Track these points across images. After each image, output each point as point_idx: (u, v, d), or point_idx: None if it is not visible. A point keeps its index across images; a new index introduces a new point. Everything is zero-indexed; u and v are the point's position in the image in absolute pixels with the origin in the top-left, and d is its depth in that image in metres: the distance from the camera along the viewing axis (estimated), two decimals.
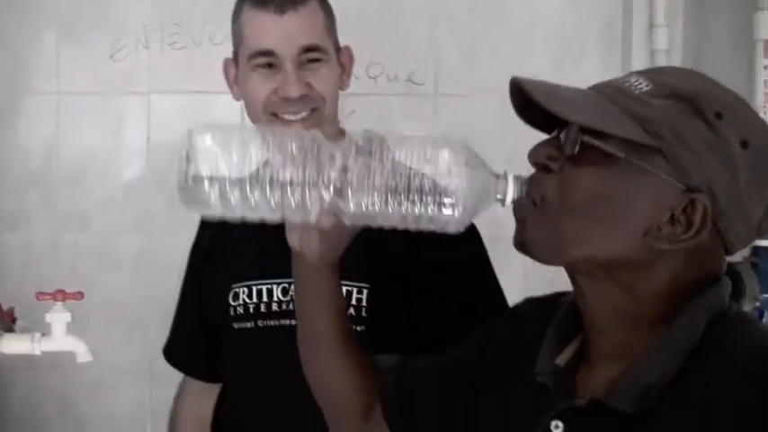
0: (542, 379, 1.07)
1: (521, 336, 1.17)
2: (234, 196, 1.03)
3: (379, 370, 1.30)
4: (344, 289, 1.59)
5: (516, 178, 1.03)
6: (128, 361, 2.42)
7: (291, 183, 1.03)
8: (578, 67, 2.43)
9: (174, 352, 1.87)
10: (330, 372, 1.29)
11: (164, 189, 2.46)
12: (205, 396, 1.83)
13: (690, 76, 1.02)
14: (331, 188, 1.04)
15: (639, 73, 1.02)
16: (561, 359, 1.08)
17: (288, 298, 1.65)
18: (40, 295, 1.59)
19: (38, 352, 1.59)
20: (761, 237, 1.04)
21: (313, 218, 1.06)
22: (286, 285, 1.65)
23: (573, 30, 2.52)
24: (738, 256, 1.09)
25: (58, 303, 1.59)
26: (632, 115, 0.96)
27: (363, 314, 1.62)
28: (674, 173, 0.95)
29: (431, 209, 1.03)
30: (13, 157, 2.52)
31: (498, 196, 1.03)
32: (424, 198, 1.03)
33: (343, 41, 1.70)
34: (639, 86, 0.98)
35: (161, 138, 2.51)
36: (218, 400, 1.81)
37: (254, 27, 1.62)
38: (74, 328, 2.47)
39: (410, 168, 1.03)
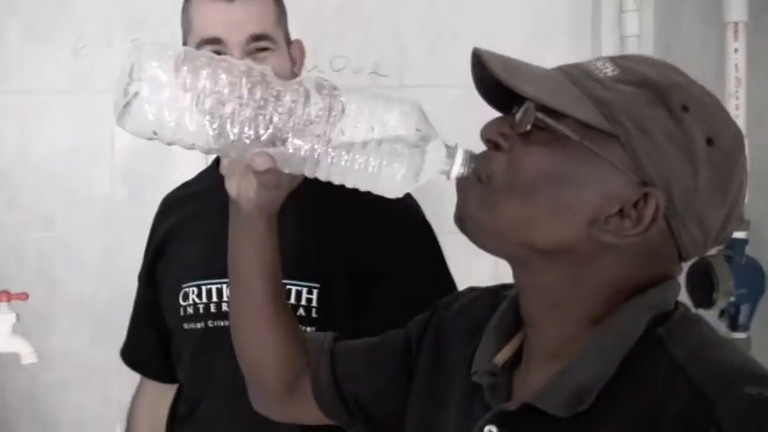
0: (478, 379, 1.03)
1: (461, 326, 1.14)
2: (171, 118, 0.99)
3: (310, 346, 1.27)
4: (294, 289, 1.59)
5: (466, 152, 0.99)
6: (95, 360, 2.39)
7: (232, 115, 0.98)
8: (546, 54, 2.39)
9: (130, 352, 1.86)
10: (259, 337, 1.25)
11: (128, 187, 2.45)
12: (161, 396, 1.82)
13: (662, 67, 0.97)
14: (271, 127, 0.99)
15: (610, 58, 0.97)
16: (500, 357, 1.04)
17: None
18: None
19: None
20: (718, 245, 1.00)
21: (249, 156, 1.01)
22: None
23: (540, 16, 2.49)
24: (713, 248, 1.03)
25: (3, 304, 1.58)
26: (593, 98, 0.91)
27: (314, 314, 1.60)
28: (629, 163, 0.91)
29: (372, 167, 0.98)
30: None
31: (444, 167, 0.99)
32: (367, 155, 0.98)
33: (304, 34, 1.68)
34: (606, 70, 0.94)
35: (125, 136, 2.48)
36: (174, 400, 1.79)
37: (203, 14, 1.60)
38: (40, 327, 2.47)
39: (357, 123, 0.98)
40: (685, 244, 0.94)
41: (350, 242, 1.60)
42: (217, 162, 1.75)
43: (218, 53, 1.56)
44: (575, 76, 0.94)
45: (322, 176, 1.02)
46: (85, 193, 2.48)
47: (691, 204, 0.92)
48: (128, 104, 0.99)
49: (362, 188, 1.02)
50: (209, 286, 1.66)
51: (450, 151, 0.99)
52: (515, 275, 1.01)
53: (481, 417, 0.99)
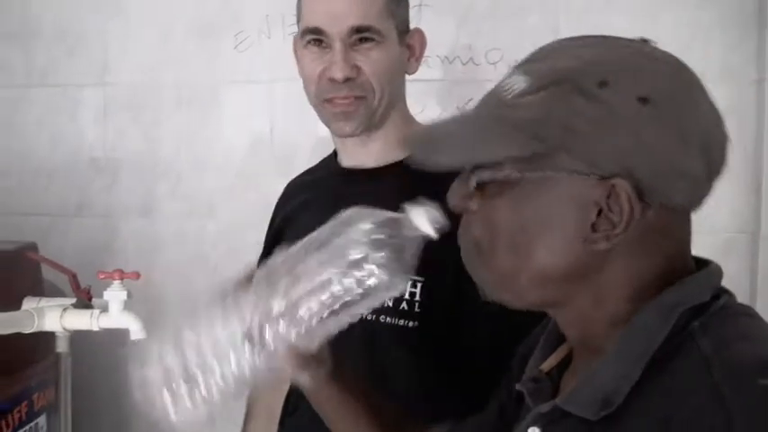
0: (520, 386, 1.02)
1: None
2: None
3: None
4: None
5: (421, 210, 0.98)
6: None
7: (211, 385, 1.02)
8: (710, 49, 2.24)
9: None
10: None
11: (288, 177, 2.50)
12: (275, 390, 1.83)
13: (575, 47, 0.91)
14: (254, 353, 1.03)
15: (519, 66, 0.93)
16: (546, 365, 1.03)
17: None
18: (99, 274, 1.64)
19: (96, 328, 1.65)
20: (718, 176, 0.91)
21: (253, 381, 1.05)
22: None
23: (701, 9, 2.30)
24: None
25: (116, 282, 1.64)
26: (510, 126, 0.87)
27: (416, 309, 1.56)
28: (579, 165, 0.86)
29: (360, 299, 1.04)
30: (144, 146, 2.63)
31: (421, 233, 0.99)
32: (350, 301, 1.03)
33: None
34: (514, 87, 0.90)
35: (284, 127, 2.54)
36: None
37: (310, 4, 1.60)
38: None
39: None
40: (681, 203, 0.89)
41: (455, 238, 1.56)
42: (334, 151, 1.75)
43: (321, 43, 1.59)
44: (493, 108, 0.91)
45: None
46: (246, 182, 2.55)
47: (658, 169, 0.86)
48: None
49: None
50: None
51: (407, 220, 0.99)
52: (547, 312, 1.00)
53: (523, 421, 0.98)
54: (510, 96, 0.89)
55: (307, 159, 1.89)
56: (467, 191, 0.93)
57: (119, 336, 1.74)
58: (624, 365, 0.87)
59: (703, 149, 0.87)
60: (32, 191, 2.70)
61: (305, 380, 1.13)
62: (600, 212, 0.87)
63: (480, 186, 0.91)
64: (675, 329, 0.87)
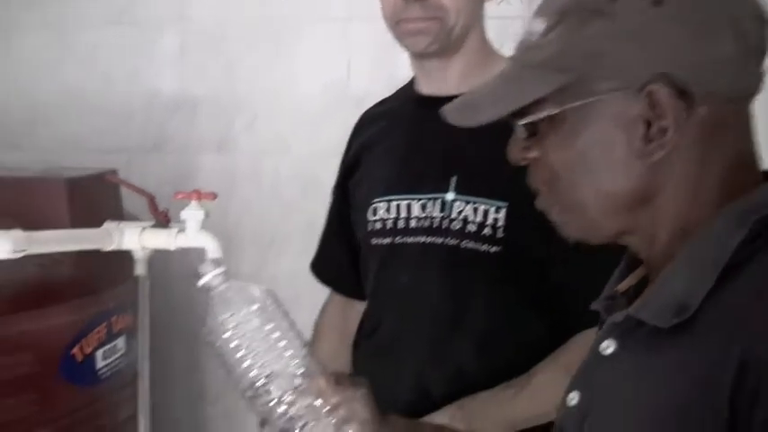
0: (596, 305, 1.04)
1: None
2: None
3: None
4: (482, 207, 1.56)
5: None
6: None
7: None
8: None
9: (320, 266, 1.88)
10: None
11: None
12: (349, 312, 1.83)
13: None
14: None
15: (536, 11, 0.96)
16: (623, 285, 1.03)
17: (425, 214, 1.62)
18: (177, 194, 1.66)
19: (173, 247, 1.66)
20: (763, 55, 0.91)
21: None
22: (425, 201, 1.62)
23: None
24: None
25: (194, 202, 1.66)
26: (541, 67, 0.91)
27: (499, 234, 1.56)
28: (612, 84, 0.88)
29: None
30: (221, 84, 2.65)
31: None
32: None
33: None
34: (534, 32, 0.93)
35: (359, 64, 2.53)
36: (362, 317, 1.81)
37: None
38: (274, 248, 2.58)
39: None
40: (726, 89, 0.88)
41: None
42: (411, 81, 1.74)
43: None
44: (519, 58, 0.95)
45: None
46: (321, 118, 2.55)
47: (689, 62, 0.87)
48: None
49: None
50: (397, 202, 1.66)
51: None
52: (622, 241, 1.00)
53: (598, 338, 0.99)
54: (533, 40, 0.93)
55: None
56: (522, 143, 0.97)
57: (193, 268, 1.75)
58: (697, 271, 0.87)
59: (736, 33, 0.87)
60: (112, 128, 2.75)
61: None
62: (648, 124, 0.88)
63: (531, 133, 0.94)
64: (748, 238, 0.86)
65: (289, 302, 2.53)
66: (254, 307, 1.12)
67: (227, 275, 1.15)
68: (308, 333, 2.50)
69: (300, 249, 2.54)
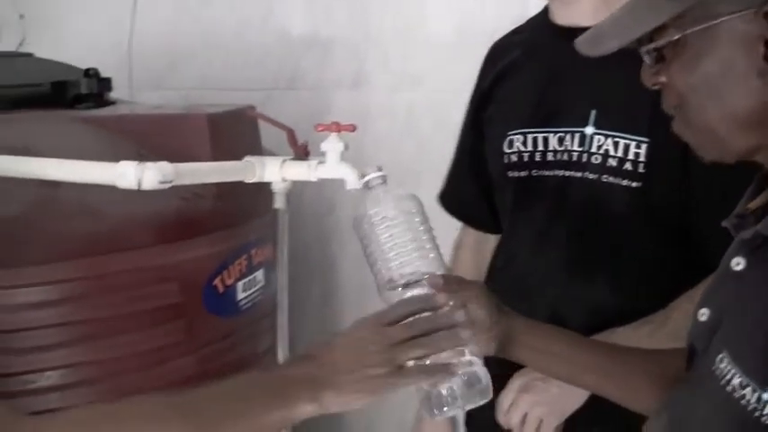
0: (726, 222, 1.06)
1: None
2: None
3: None
4: (622, 142, 1.53)
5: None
6: None
7: None
8: None
9: (449, 198, 1.87)
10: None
11: None
12: (481, 244, 1.82)
13: None
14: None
15: None
16: (753, 204, 1.06)
17: (563, 147, 1.59)
18: (318, 126, 1.67)
19: (314, 178, 1.68)
20: None
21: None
22: (562, 134, 1.59)
23: None
24: None
25: (333, 134, 1.67)
26: None
27: (640, 170, 1.52)
28: (729, 7, 0.93)
29: None
30: (354, 19, 2.64)
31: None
32: None
33: None
34: None
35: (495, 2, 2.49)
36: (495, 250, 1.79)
37: None
38: (409, 184, 2.57)
39: None
40: None
41: None
42: (545, 10, 1.70)
43: None
44: None
45: None
46: (454, 53, 2.52)
47: None
48: None
49: None
50: (534, 135, 1.63)
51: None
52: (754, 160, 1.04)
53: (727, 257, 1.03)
54: None
55: None
56: (650, 68, 1.02)
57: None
58: None
59: None
60: (248, 68, 2.78)
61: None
62: (766, 43, 0.92)
63: (657, 60, 1.00)
64: None
65: None
66: (406, 208, 1.17)
67: (385, 181, 1.20)
68: None
69: (434, 185, 2.55)
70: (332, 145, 1.65)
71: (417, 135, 2.55)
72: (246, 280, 1.95)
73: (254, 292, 1.98)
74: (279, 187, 1.77)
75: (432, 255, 1.16)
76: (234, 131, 1.97)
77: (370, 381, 1.05)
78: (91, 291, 1.71)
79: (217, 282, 1.87)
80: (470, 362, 1.11)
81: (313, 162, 1.68)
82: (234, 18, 2.79)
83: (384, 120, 2.59)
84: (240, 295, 1.94)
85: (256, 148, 2.00)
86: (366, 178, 1.20)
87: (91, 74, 2.15)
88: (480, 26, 2.49)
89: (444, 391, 1.09)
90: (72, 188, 1.65)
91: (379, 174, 1.20)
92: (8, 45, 3.08)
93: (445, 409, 1.09)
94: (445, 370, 1.08)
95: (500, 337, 1.20)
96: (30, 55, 2.35)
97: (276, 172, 1.68)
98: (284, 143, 1.75)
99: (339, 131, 1.67)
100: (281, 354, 1.89)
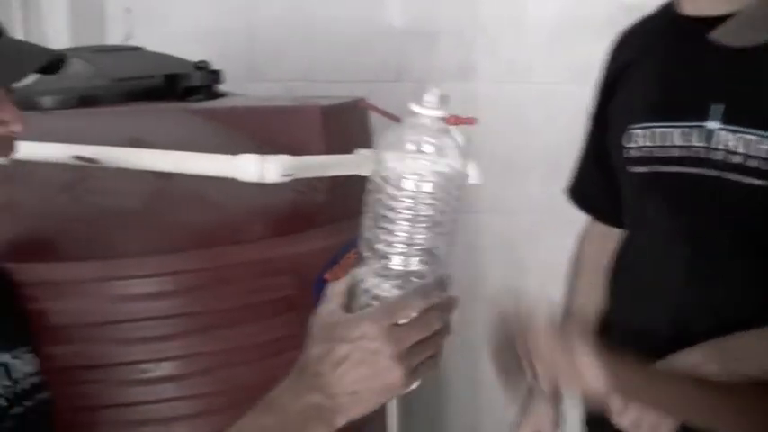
0: None
1: None
2: None
3: None
4: (748, 138, 1.47)
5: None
6: (569, 207, 2.41)
7: None
8: None
9: (577, 190, 1.83)
10: None
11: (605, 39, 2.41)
12: (606, 240, 1.77)
13: None
14: None
15: None
16: None
17: (686, 143, 1.54)
18: None
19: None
20: None
21: None
22: (685, 129, 1.54)
23: None
24: None
25: (452, 127, 1.64)
26: None
27: (766, 167, 1.46)
28: None
29: None
30: (461, 9, 2.61)
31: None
32: None
33: None
34: None
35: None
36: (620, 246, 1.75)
37: None
38: (517, 176, 2.55)
39: None
40: None
41: None
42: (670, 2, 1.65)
43: None
44: None
45: None
46: (561, 43, 2.48)
47: None
48: None
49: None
50: (655, 130, 1.58)
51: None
52: None
53: None
54: None
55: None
56: None
57: None
58: None
59: None
60: (350, 58, 2.77)
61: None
62: None
63: None
64: None
65: (527, 231, 2.53)
66: (444, 172, 1.00)
67: (443, 122, 1.05)
68: (544, 261, 2.50)
69: (541, 177, 2.51)
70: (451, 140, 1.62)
71: (526, 127, 2.51)
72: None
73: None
74: None
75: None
76: (346, 124, 1.96)
77: (382, 392, 0.95)
78: (207, 282, 1.72)
79: (328, 275, 1.86)
80: None
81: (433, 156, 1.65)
82: (338, 9, 2.78)
83: (491, 111, 2.55)
84: None
85: (367, 141, 1.99)
86: (420, 109, 1.03)
87: (201, 66, 2.16)
88: (585, 18, 2.45)
89: None
90: (187, 180, 1.66)
91: (439, 113, 1.04)
92: (114, 39, 3.13)
93: None
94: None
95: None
96: (139, 48, 2.37)
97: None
98: None
99: (458, 124, 1.64)
100: None
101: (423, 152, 1.01)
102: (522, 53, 2.54)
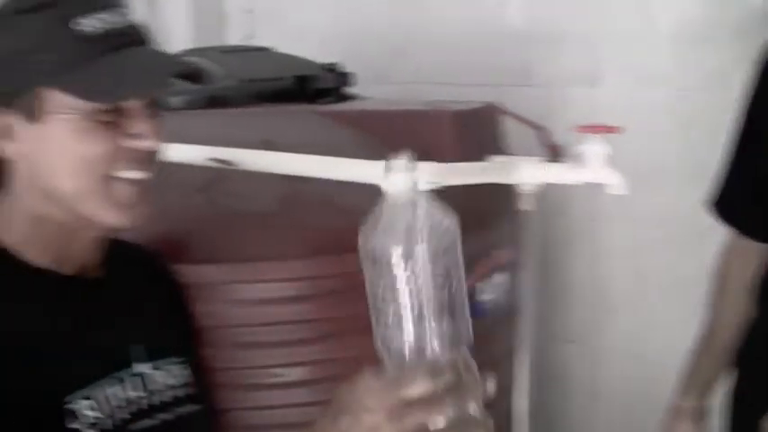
0: None
1: None
2: None
3: None
4: None
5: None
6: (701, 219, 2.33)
7: None
8: None
9: (721, 204, 1.76)
10: None
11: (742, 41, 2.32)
12: (751, 254, 1.71)
13: None
14: None
15: None
16: None
17: None
18: (579, 128, 1.60)
19: (572, 182, 1.61)
20: None
21: None
22: None
23: None
24: None
25: (595, 136, 1.59)
26: None
27: None
28: None
29: None
30: (588, 14, 2.55)
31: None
32: None
33: None
34: None
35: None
36: None
37: None
38: (648, 187, 2.48)
39: None
40: None
41: None
42: None
43: None
44: None
45: None
46: (698, 49, 2.40)
47: None
48: None
49: None
50: None
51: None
52: None
53: None
54: None
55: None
56: None
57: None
58: None
59: None
60: (473, 61, 2.73)
61: None
62: None
63: None
64: None
65: (653, 241, 2.46)
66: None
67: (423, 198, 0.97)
68: (668, 271, 2.43)
69: (670, 186, 2.44)
70: (594, 147, 1.58)
71: (654, 135, 2.43)
72: (489, 282, 1.91)
73: (495, 295, 1.93)
74: (527, 188, 1.71)
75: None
76: (478, 129, 1.92)
77: None
78: (339, 287, 1.70)
79: None
80: None
81: (573, 165, 1.60)
82: (461, 10, 2.75)
83: (622, 119, 2.48)
84: (480, 297, 1.90)
85: (500, 147, 1.96)
86: (389, 190, 0.96)
87: (331, 68, 2.14)
88: (723, 21, 2.37)
89: None
90: (320, 184, 1.65)
91: (414, 189, 0.96)
92: (234, 39, 3.15)
93: None
94: None
95: None
96: (266, 49, 2.37)
97: (532, 174, 1.62)
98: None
99: (603, 133, 1.59)
100: (522, 358, 1.83)
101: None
102: (652, 59, 2.46)
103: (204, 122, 2.00)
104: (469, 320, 0.98)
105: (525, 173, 1.61)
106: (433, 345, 0.93)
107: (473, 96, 2.39)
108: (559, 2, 2.60)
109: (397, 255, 0.91)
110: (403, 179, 1.05)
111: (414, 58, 2.82)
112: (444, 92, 2.62)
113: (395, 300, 0.92)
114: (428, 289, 0.92)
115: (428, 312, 0.92)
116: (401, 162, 1.05)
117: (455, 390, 0.93)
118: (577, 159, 1.60)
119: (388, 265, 0.91)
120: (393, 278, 0.91)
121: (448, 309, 0.94)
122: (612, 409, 2.63)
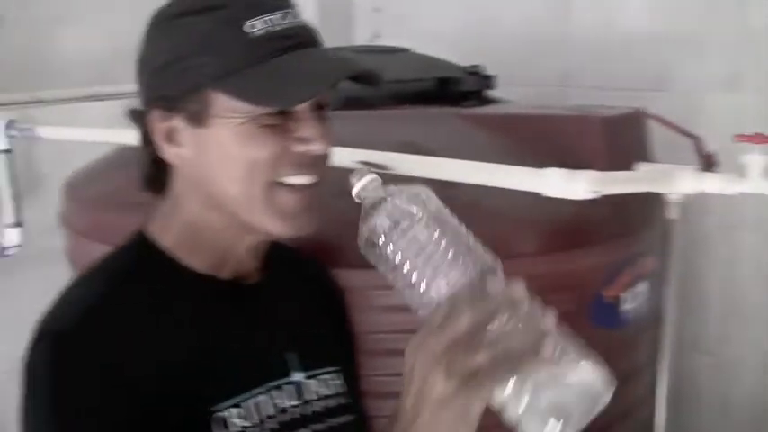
0: None
1: None
2: None
3: None
4: None
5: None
6: None
7: None
8: None
9: None
10: None
11: None
12: None
13: None
14: None
15: None
16: None
17: None
18: (737, 137, 1.56)
19: (730, 192, 1.57)
20: None
21: None
22: None
23: None
24: None
25: (756, 146, 1.55)
26: None
27: None
28: None
29: None
30: (729, 17, 2.49)
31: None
32: None
33: None
34: None
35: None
36: None
37: None
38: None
39: None
40: None
41: None
42: None
43: None
44: None
45: None
46: None
47: None
48: None
49: None
50: None
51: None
52: None
53: None
54: None
55: None
56: None
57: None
58: None
59: None
60: (608, 65, 2.69)
61: None
62: None
63: None
64: None
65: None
66: (413, 217, 0.97)
67: (380, 182, 1.00)
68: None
69: None
70: (756, 158, 1.54)
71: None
72: (632, 291, 1.88)
73: (637, 305, 1.90)
74: (675, 197, 1.68)
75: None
76: (626, 135, 1.89)
77: (435, 403, 0.91)
78: None
79: (605, 292, 1.80)
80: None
81: (732, 175, 1.57)
82: (596, 13, 2.71)
83: (762, 126, 2.42)
84: (624, 307, 1.87)
85: (647, 154, 1.92)
86: (354, 190, 1.00)
87: (474, 71, 2.13)
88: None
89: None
90: (468, 189, 1.63)
91: (369, 179, 1.00)
92: (362, 38, 3.16)
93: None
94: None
95: None
96: (406, 50, 2.36)
97: (688, 183, 1.58)
98: None
99: (761, 144, 1.55)
100: (663, 369, 1.80)
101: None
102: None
103: (342, 124, 2.00)
104: (485, 250, 1.02)
105: (684, 183, 1.58)
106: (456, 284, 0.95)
107: (611, 101, 2.36)
108: (697, 4, 2.54)
109: (387, 228, 0.96)
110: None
111: (545, 61, 2.80)
112: (577, 96, 2.59)
113: (408, 263, 0.95)
114: (430, 246, 0.96)
115: (440, 261, 0.95)
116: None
117: (507, 315, 0.93)
118: (738, 169, 1.57)
119: (386, 242, 0.95)
120: (394, 250, 0.95)
121: (454, 253, 0.97)
122: (742, 424, 2.57)
